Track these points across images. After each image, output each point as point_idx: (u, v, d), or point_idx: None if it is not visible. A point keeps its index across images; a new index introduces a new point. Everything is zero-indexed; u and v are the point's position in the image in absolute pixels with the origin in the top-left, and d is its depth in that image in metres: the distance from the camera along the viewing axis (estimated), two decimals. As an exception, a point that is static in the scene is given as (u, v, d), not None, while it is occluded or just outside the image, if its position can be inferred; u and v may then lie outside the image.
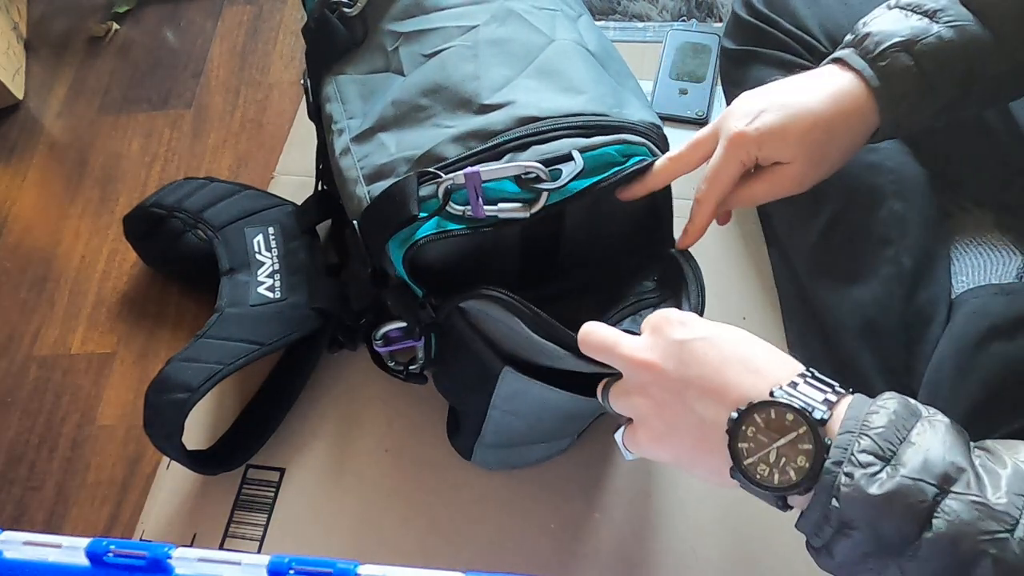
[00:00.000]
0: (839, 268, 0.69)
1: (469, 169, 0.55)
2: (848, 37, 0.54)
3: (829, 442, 0.38)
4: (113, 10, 1.20)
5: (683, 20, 1.05)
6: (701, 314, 0.53)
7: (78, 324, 0.92)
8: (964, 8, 0.52)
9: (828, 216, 0.69)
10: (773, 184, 0.54)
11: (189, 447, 0.74)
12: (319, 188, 0.85)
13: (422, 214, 0.56)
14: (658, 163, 0.57)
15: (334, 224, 0.87)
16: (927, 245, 0.67)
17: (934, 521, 0.35)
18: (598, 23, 1.04)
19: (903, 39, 0.51)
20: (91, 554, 0.44)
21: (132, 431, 0.84)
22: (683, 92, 0.97)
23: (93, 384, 0.88)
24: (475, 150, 0.58)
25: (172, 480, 0.78)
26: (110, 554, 0.44)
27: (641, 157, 0.57)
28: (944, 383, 0.60)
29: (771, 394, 0.40)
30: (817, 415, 0.39)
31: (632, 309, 0.60)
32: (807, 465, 0.39)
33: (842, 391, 0.41)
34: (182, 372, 0.72)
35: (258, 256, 0.81)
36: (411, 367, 0.73)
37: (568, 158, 0.56)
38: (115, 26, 1.19)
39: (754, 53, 0.76)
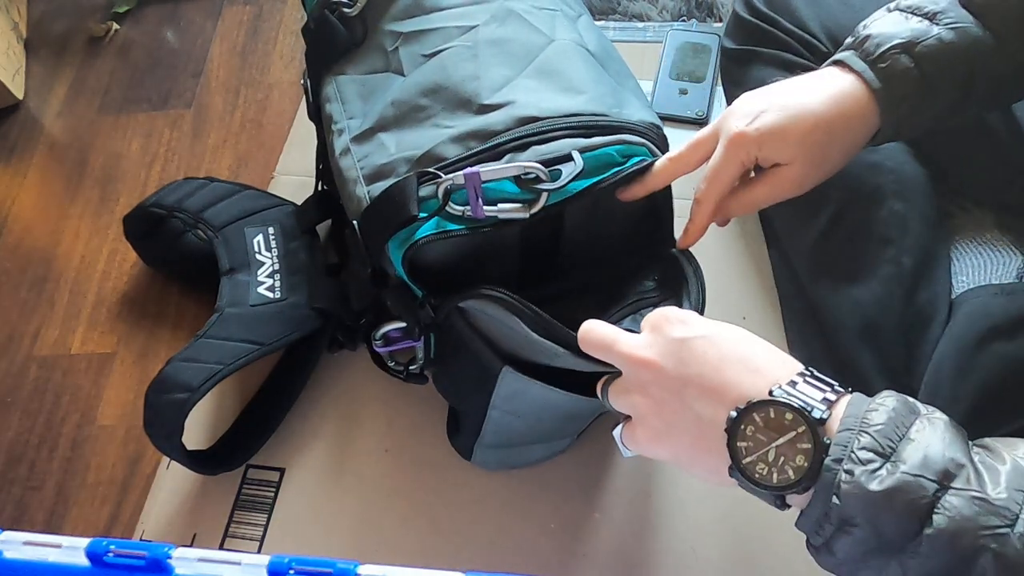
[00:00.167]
0: (839, 268, 0.69)
1: (469, 170, 0.55)
2: (849, 39, 0.54)
3: (828, 441, 0.38)
4: (113, 10, 1.20)
5: (683, 20, 1.05)
6: (701, 313, 0.53)
7: (78, 324, 0.92)
8: (964, 10, 0.52)
9: (828, 216, 0.69)
10: (774, 186, 0.54)
11: (189, 447, 0.74)
12: (319, 188, 0.85)
13: (422, 214, 0.56)
14: (658, 163, 0.57)
15: (334, 224, 0.87)
16: (927, 245, 0.67)
17: (934, 517, 0.36)
18: (598, 23, 1.04)
19: (903, 41, 0.51)
20: (91, 554, 0.44)
21: (132, 431, 0.84)
22: (683, 92, 0.97)
23: (93, 384, 0.88)
24: (475, 150, 0.58)
25: (172, 480, 0.78)
26: (110, 554, 0.44)
27: (641, 158, 0.57)
28: (944, 383, 0.60)
29: (770, 393, 0.40)
30: (816, 414, 0.39)
31: (632, 309, 0.60)
32: (806, 464, 0.39)
33: (841, 390, 0.41)
34: (182, 372, 0.72)
35: (258, 256, 0.81)
36: (411, 367, 0.73)
37: (568, 158, 0.55)
38: (115, 26, 1.19)
39: (755, 53, 0.76)
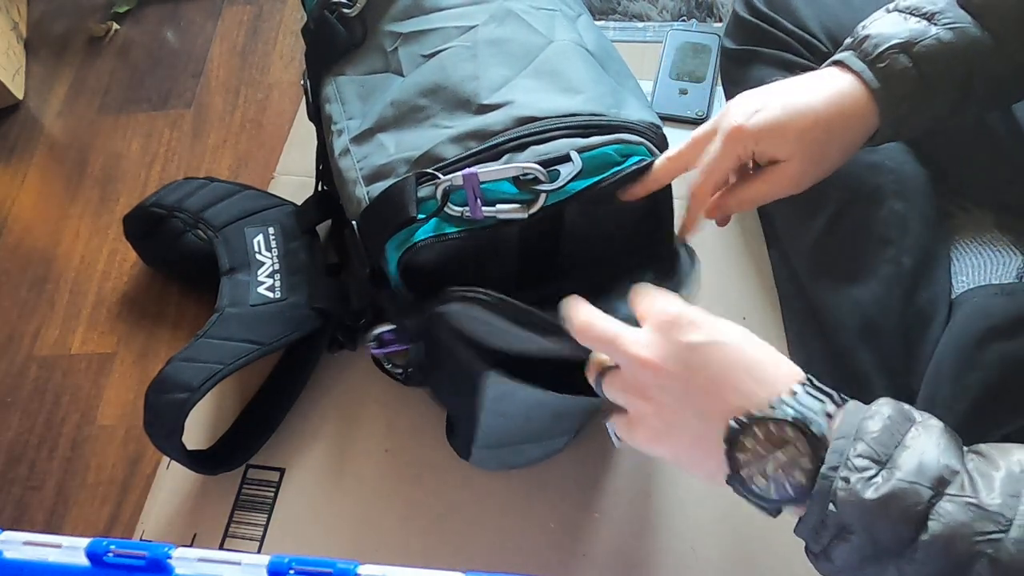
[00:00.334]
0: (839, 268, 0.69)
1: (467, 171, 0.55)
2: (848, 40, 0.54)
3: (826, 455, 0.38)
4: (113, 10, 1.20)
5: (683, 20, 1.05)
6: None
7: (78, 324, 0.92)
8: (963, 10, 0.52)
9: (828, 216, 0.69)
10: (772, 183, 0.54)
11: (189, 447, 0.74)
12: (319, 189, 0.85)
13: (420, 215, 0.56)
14: (657, 163, 0.57)
15: (334, 224, 0.87)
16: (927, 245, 0.67)
17: (929, 523, 0.36)
18: (598, 23, 1.04)
19: (902, 41, 0.51)
20: (91, 554, 0.44)
21: (132, 431, 0.84)
22: (683, 92, 0.97)
23: (93, 384, 0.88)
24: (473, 150, 0.58)
25: (172, 480, 0.78)
26: (110, 554, 0.44)
27: (640, 157, 0.57)
28: (944, 383, 0.60)
29: (771, 407, 0.40)
30: (816, 429, 0.39)
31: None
32: (804, 481, 0.39)
33: (841, 400, 0.41)
34: (182, 372, 0.72)
35: (258, 256, 0.81)
36: (409, 369, 0.73)
37: (566, 159, 0.55)
38: (115, 26, 1.19)
39: (755, 53, 0.76)
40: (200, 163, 1.03)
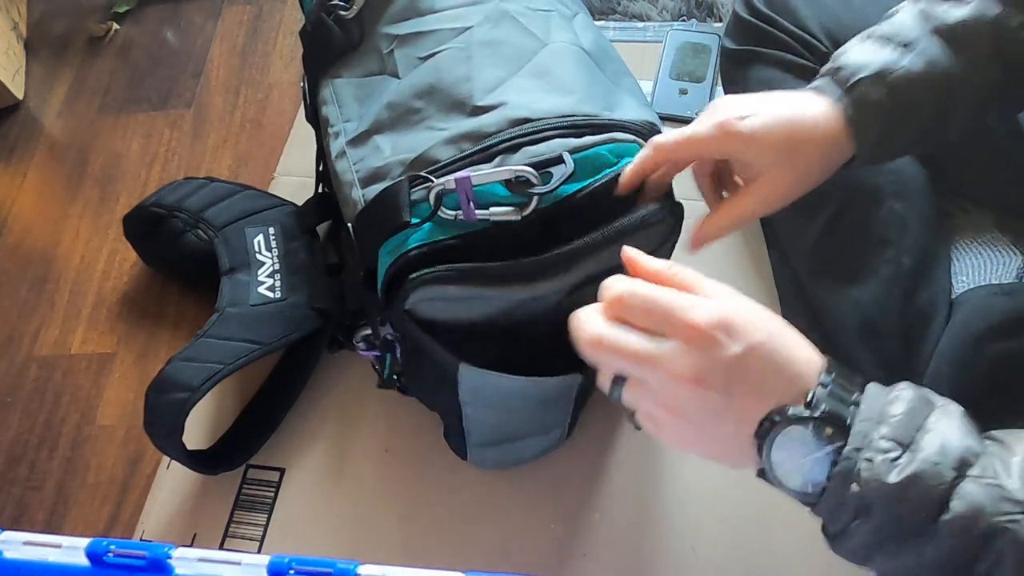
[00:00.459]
0: (839, 268, 0.69)
1: (459, 174, 0.55)
2: (827, 65, 0.55)
3: (860, 449, 0.39)
4: (113, 10, 1.20)
5: (683, 20, 1.05)
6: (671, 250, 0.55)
7: (78, 324, 0.92)
8: (935, 41, 0.52)
9: (828, 216, 0.69)
10: (758, 195, 0.53)
11: (189, 447, 0.74)
12: (319, 190, 0.85)
13: (414, 220, 0.56)
14: (640, 152, 0.56)
15: (334, 224, 0.87)
16: (927, 245, 0.67)
17: (952, 503, 0.37)
18: (598, 23, 1.04)
19: (875, 71, 0.52)
20: (91, 554, 0.44)
21: (132, 431, 0.84)
22: (683, 92, 0.97)
23: (93, 384, 0.88)
24: (466, 152, 0.58)
25: (172, 480, 0.78)
26: (110, 554, 0.44)
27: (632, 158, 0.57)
28: (944, 383, 0.60)
29: (805, 404, 0.40)
30: (848, 419, 0.39)
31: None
32: (830, 471, 0.39)
33: (862, 383, 0.41)
34: (182, 372, 0.72)
35: (258, 256, 0.81)
36: (395, 376, 0.73)
37: (559, 160, 0.56)
38: (115, 26, 1.19)
39: (755, 53, 0.76)
40: (200, 163, 1.03)
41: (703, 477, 0.74)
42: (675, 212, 0.57)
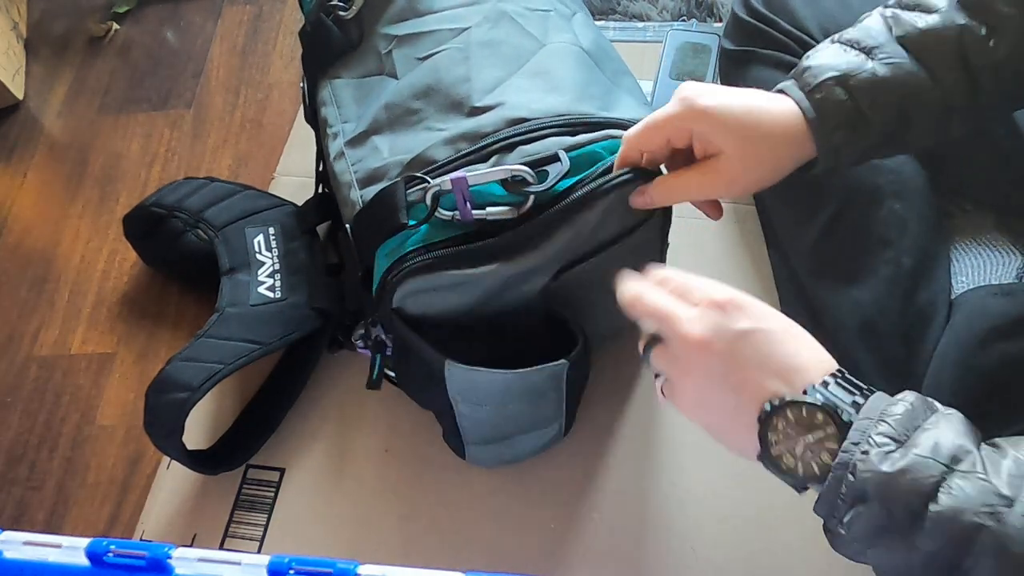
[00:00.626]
0: (839, 268, 0.69)
1: (455, 175, 0.55)
2: (795, 68, 0.55)
3: (857, 443, 0.41)
4: (113, 10, 1.20)
5: (683, 20, 1.05)
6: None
7: (78, 324, 0.92)
8: (900, 47, 0.52)
9: (828, 216, 0.69)
10: (704, 177, 0.54)
11: (189, 447, 0.74)
12: (319, 190, 0.85)
13: (411, 222, 0.56)
14: (620, 149, 0.57)
15: (334, 224, 0.87)
16: (927, 245, 0.67)
17: (940, 495, 0.38)
18: (598, 23, 1.04)
19: (838, 74, 0.52)
20: (91, 554, 0.44)
21: (132, 431, 0.84)
22: (683, 92, 0.97)
23: (93, 384, 0.88)
24: (461, 152, 0.58)
25: (172, 480, 0.78)
26: (110, 554, 0.44)
27: None
28: (944, 384, 0.60)
29: (804, 392, 0.43)
30: (845, 417, 0.42)
31: None
32: (831, 462, 0.41)
33: (869, 393, 0.43)
34: (182, 372, 0.72)
35: (258, 256, 0.81)
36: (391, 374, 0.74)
37: (555, 159, 0.56)
38: (115, 26, 1.19)
39: (753, 54, 0.76)
40: (200, 163, 1.03)
41: (703, 477, 0.74)
42: (643, 173, 0.57)
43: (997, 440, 0.41)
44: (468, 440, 0.71)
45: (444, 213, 0.56)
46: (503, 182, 0.55)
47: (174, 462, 0.76)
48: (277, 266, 0.81)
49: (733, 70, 0.79)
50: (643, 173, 0.56)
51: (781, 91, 0.54)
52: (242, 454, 0.78)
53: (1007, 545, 0.37)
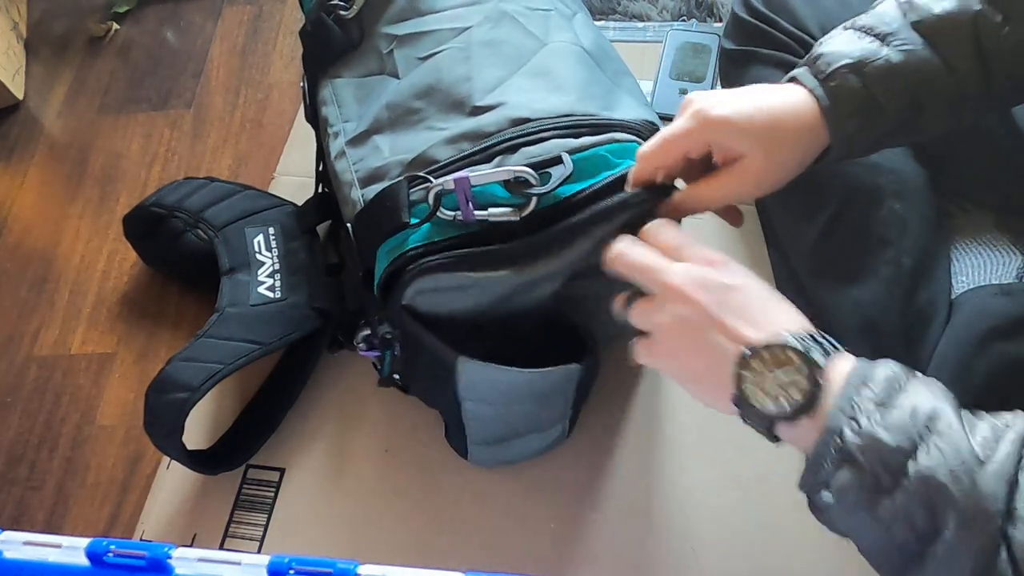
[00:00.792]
0: (839, 268, 0.69)
1: (458, 174, 0.55)
2: (806, 56, 0.55)
3: (822, 382, 0.43)
4: (113, 10, 1.20)
5: (683, 20, 1.05)
6: None
7: (78, 324, 0.92)
8: (915, 34, 0.52)
9: (828, 216, 0.69)
10: (731, 181, 0.54)
11: (189, 447, 0.74)
12: (319, 190, 0.85)
13: (413, 220, 0.56)
14: (634, 166, 0.56)
15: (334, 224, 0.87)
16: (927, 245, 0.67)
17: (919, 455, 0.39)
18: (598, 23, 1.04)
19: (853, 61, 0.52)
20: (91, 554, 0.44)
21: (132, 431, 0.84)
22: (683, 92, 0.97)
23: (93, 384, 0.88)
24: (465, 153, 0.58)
25: (172, 480, 0.78)
26: (110, 554, 0.44)
27: (631, 161, 0.57)
28: (944, 383, 0.60)
29: (777, 334, 0.45)
30: (813, 355, 0.44)
31: None
32: (799, 397, 0.43)
33: (840, 350, 0.45)
34: (182, 372, 0.72)
35: (258, 256, 0.81)
36: (395, 375, 0.73)
37: (558, 161, 0.56)
38: (115, 26, 1.19)
39: (753, 53, 0.76)
40: (200, 163, 1.03)
41: (703, 478, 0.74)
42: (661, 191, 0.57)
43: (977, 412, 0.42)
44: (472, 440, 0.71)
45: (446, 213, 0.55)
46: (505, 183, 0.55)
47: (174, 462, 0.76)
48: (277, 266, 0.81)
49: (733, 70, 0.79)
50: (662, 189, 0.56)
51: (793, 79, 0.54)
52: (242, 454, 0.78)
53: (975, 504, 0.38)
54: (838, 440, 0.41)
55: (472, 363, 0.60)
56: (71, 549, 0.44)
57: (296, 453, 0.78)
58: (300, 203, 0.86)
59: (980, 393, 0.59)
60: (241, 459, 0.78)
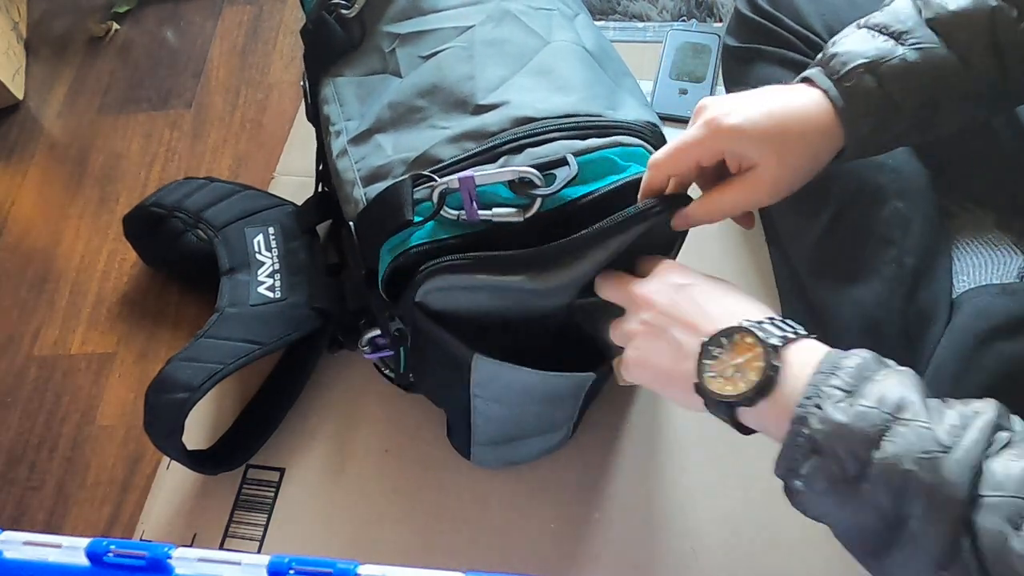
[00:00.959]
0: (840, 267, 0.69)
1: (463, 174, 0.55)
2: (819, 55, 0.54)
3: (778, 364, 0.44)
4: (113, 10, 1.20)
5: (683, 20, 1.05)
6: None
7: (78, 324, 0.92)
8: (930, 31, 0.52)
9: (830, 215, 0.69)
10: (745, 190, 0.53)
11: (189, 447, 0.74)
12: (319, 190, 0.85)
13: (417, 219, 0.56)
14: (645, 175, 0.56)
15: (334, 224, 0.87)
16: (929, 245, 0.66)
17: (884, 443, 0.40)
18: (598, 23, 1.04)
19: (868, 60, 0.51)
20: (91, 554, 0.44)
21: (132, 431, 0.84)
22: (683, 92, 0.97)
23: (93, 384, 0.88)
24: (470, 152, 0.57)
25: (172, 480, 0.78)
26: (110, 554, 0.44)
27: (638, 168, 0.57)
28: (945, 383, 0.60)
29: (735, 322, 0.47)
30: (771, 340, 0.45)
31: None
32: (756, 379, 0.44)
33: (803, 334, 0.46)
34: (182, 372, 0.72)
35: (258, 256, 0.81)
36: (402, 373, 0.73)
37: (563, 162, 0.55)
38: (115, 26, 1.19)
39: (757, 51, 0.75)
40: (200, 163, 1.03)
41: (704, 478, 0.74)
42: (676, 202, 0.56)
43: (948, 399, 0.43)
44: (478, 440, 0.70)
45: (450, 212, 0.55)
46: (510, 183, 0.55)
47: (174, 462, 0.76)
48: (277, 266, 0.81)
49: (737, 68, 0.79)
50: (676, 199, 0.56)
51: (806, 79, 0.53)
52: (242, 454, 0.78)
53: (940, 491, 0.38)
54: (805, 429, 0.42)
55: (488, 361, 0.60)
56: (71, 549, 0.44)
57: (296, 453, 0.78)
58: (300, 203, 0.86)
59: (981, 392, 0.58)
60: (241, 459, 0.78)
